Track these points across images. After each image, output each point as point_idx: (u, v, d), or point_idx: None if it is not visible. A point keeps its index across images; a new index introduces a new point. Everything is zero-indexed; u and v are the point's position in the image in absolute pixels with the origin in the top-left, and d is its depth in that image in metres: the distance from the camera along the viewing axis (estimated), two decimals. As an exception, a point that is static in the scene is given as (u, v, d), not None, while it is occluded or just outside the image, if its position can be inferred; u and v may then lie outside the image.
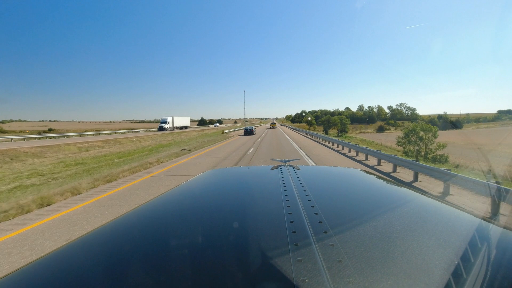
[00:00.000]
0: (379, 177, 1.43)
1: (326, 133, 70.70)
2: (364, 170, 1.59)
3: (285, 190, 1.04)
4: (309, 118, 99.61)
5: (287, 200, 0.92)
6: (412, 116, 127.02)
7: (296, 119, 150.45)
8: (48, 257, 0.68)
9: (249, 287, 0.52)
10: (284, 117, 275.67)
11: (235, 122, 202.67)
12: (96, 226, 0.86)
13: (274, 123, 72.76)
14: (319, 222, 0.74)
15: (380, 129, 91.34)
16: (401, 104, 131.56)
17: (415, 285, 0.50)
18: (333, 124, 72.31)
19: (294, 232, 0.68)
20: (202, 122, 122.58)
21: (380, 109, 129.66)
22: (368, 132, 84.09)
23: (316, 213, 0.80)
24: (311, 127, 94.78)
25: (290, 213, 0.80)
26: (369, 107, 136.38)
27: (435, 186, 7.04)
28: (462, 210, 0.91)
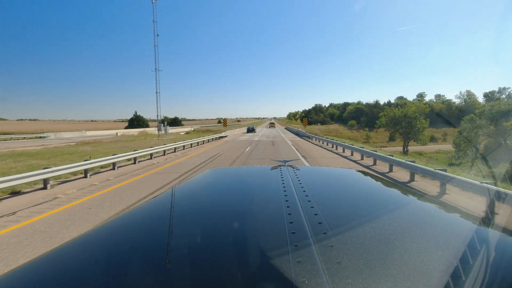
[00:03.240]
0: (378, 178, 1.42)
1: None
2: (363, 171, 1.58)
3: (285, 191, 1.03)
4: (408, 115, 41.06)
5: (287, 201, 0.91)
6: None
7: (312, 117, 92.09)
8: (47, 256, 0.67)
9: (248, 287, 0.52)
10: (286, 116, 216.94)
11: (219, 121, 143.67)
12: (94, 225, 0.85)
13: (273, 123, 72.66)
14: (319, 223, 0.73)
15: None
16: (501, 90, 75.43)
17: (414, 286, 0.50)
18: None
19: (293, 232, 0.67)
20: (135, 123, 62.79)
21: (471, 96, 72.97)
22: None
23: (315, 214, 0.79)
24: (411, 136, 39.20)
25: (289, 214, 0.79)
26: (437, 96, 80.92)
27: None
28: (461, 212, 0.91)
